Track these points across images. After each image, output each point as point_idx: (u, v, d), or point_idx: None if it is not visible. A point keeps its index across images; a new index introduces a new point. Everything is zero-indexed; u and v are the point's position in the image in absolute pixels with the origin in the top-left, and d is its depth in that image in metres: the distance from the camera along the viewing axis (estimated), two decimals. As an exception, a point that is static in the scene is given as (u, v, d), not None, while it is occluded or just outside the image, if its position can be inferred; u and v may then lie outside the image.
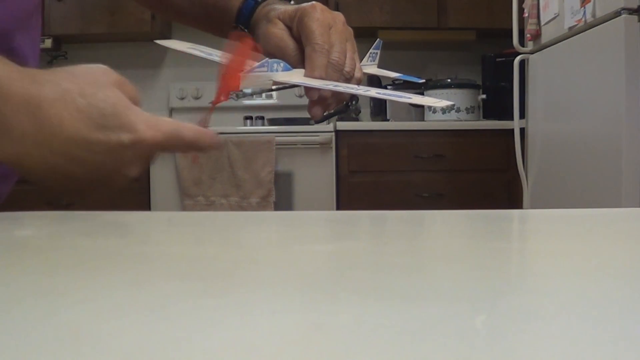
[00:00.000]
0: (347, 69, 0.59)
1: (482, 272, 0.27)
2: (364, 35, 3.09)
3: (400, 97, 0.55)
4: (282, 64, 0.56)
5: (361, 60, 0.70)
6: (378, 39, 0.74)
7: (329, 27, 0.59)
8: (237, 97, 0.52)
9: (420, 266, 0.30)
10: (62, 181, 0.44)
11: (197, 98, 3.03)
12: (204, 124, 0.49)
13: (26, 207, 0.48)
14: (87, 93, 0.42)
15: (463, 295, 0.23)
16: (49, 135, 0.41)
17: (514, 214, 0.69)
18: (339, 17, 0.61)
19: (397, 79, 0.78)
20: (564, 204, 1.92)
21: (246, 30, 0.66)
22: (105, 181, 0.45)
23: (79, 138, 0.41)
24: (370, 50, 0.72)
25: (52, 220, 0.49)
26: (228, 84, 0.51)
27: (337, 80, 0.58)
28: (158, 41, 0.68)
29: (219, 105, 0.51)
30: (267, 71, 0.54)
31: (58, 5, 2.79)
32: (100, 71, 0.44)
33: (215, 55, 0.63)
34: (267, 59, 0.55)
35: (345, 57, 0.59)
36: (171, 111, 3.09)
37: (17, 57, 0.57)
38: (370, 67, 0.73)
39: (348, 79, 0.59)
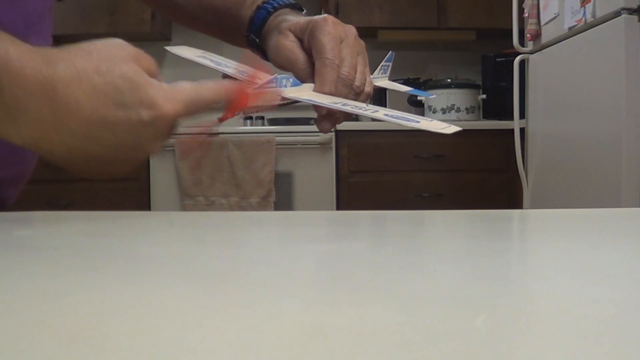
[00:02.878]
0: (357, 83, 0.58)
1: (482, 272, 0.27)
2: (364, 36, 3.06)
3: (409, 120, 0.54)
4: (291, 80, 0.56)
5: (372, 72, 0.70)
6: (390, 52, 0.73)
7: (340, 41, 0.58)
8: (244, 113, 0.52)
9: (420, 266, 0.30)
10: (82, 162, 0.43)
11: (197, 98, 3.03)
12: (202, 133, 0.49)
13: (26, 207, 0.48)
14: (103, 70, 0.41)
15: (463, 295, 0.23)
16: (66, 117, 0.40)
17: (514, 214, 0.69)
18: (351, 30, 0.61)
19: (407, 92, 0.77)
20: (564, 204, 1.92)
21: (257, 40, 0.66)
22: (127, 159, 0.44)
23: (98, 117, 0.40)
24: (382, 63, 0.72)
25: (52, 220, 0.49)
26: (237, 102, 0.50)
27: (347, 95, 0.58)
28: (168, 47, 0.66)
29: (220, 105, 0.51)
30: (275, 86, 0.54)
31: (58, 5, 2.78)
32: (115, 45, 0.43)
33: (224, 64, 0.62)
34: (276, 75, 0.54)
35: (355, 72, 0.58)
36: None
37: None
38: (381, 80, 0.72)
39: (358, 94, 0.59)
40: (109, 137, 0.41)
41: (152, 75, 0.44)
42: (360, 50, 0.61)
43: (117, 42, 0.43)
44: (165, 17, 0.76)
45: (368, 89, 0.60)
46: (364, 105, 0.56)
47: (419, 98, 2.79)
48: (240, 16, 0.67)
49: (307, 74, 0.59)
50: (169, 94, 0.43)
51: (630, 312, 0.21)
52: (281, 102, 0.55)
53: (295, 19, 0.62)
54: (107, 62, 0.41)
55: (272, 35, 0.63)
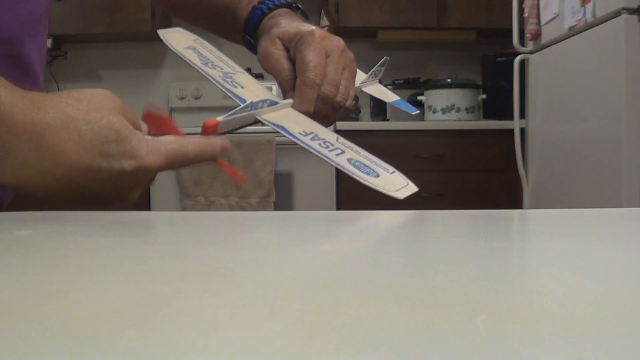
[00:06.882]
0: (337, 99, 0.59)
1: (482, 272, 0.27)
2: (364, 35, 3.09)
3: (368, 172, 0.50)
4: (267, 102, 0.55)
5: (365, 73, 0.70)
6: (385, 57, 0.73)
7: (326, 57, 0.58)
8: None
9: (420, 266, 0.30)
10: (61, 205, 0.44)
11: (197, 98, 3.03)
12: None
13: (26, 207, 0.48)
14: (92, 119, 0.42)
15: (463, 295, 0.23)
16: (51, 163, 0.41)
17: (514, 214, 0.69)
18: (339, 43, 0.60)
19: (393, 102, 0.76)
20: (564, 204, 1.92)
21: (253, 41, 0.66)
22: (106, 204, 0.45)
23: (82, 165, 0.42)
24: (374, 68, 0.72)
25: (52, 220, 0.49)
26: (205, 127, 0.50)
27: (326, 111, 0.58)
28: (160, 32, 0.65)
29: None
30: (250, 110, 0.53)
31: (58, 5, 2.79)
32: (103, 96, 0.44)
33: (211, 64, 0.62)
34: (252, 100, 0.54)
35: (337, 89, 0.59)
36: (171, 111, 3.09)
37: (24, 62, 0.58)
38: (372, 84, 0.73)
39: (337, 109, 0.59)
40: (90, 184, 0.43)
41: (135, 127, 0.45)
42: (347, 63, 0.61)
43: (104, 92, 0.44)
44: (167, 12, 0.77)
45: (348, 103, 0.61)
46: (334, 139, 0.54)
47: (418, 98, 2.79)
48: (237, 16, 0.67)
49: (290, 85, 0.59)
50: (152, 146, 0.44)
51: (630, 312, 0.21)
52: (254, 122, 0.55)
53: (286, 26, 0.62)
54: (96, 112, 0.42)
55: (262, 40, 0.63)
